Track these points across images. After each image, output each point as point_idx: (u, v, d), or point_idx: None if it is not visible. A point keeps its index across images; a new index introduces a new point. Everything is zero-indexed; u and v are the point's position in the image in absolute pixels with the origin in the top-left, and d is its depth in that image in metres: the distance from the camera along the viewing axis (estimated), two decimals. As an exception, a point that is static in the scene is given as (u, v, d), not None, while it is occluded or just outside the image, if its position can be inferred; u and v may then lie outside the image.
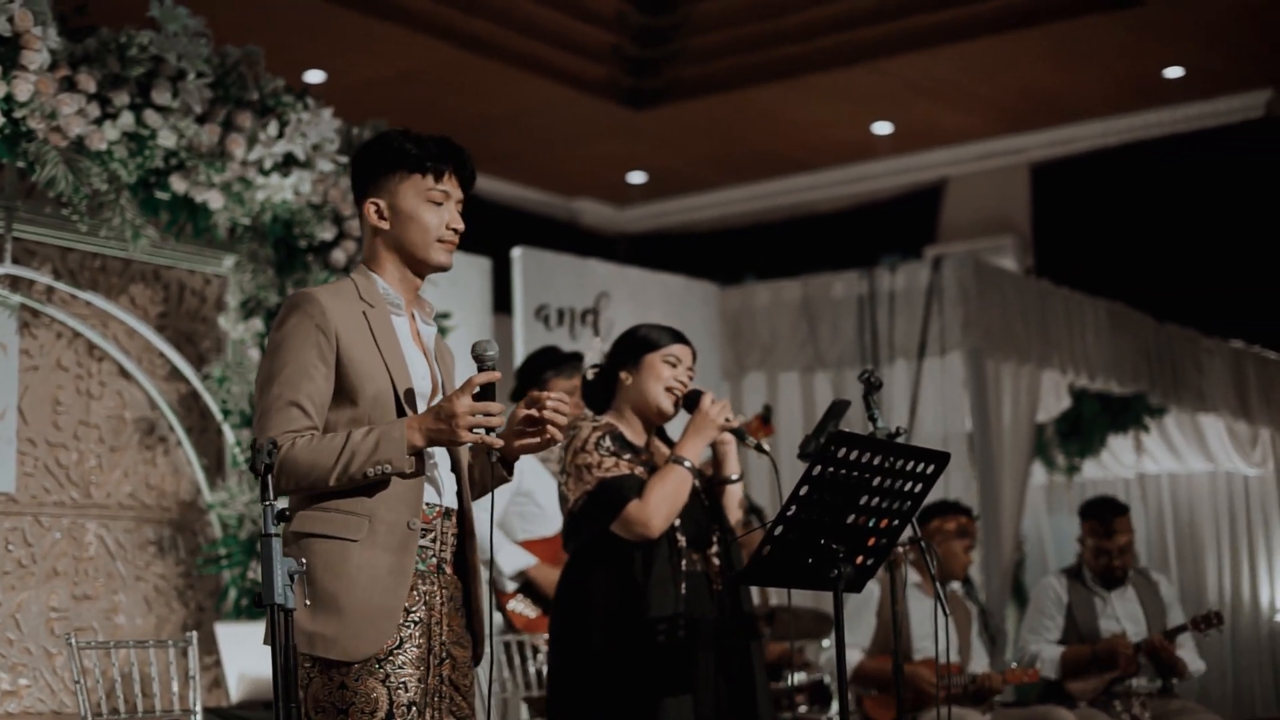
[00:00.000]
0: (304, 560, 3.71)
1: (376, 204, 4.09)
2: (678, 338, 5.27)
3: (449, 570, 4.09)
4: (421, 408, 4.02)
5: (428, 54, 11.29)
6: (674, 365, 5.21)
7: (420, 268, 4.13)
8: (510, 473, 4.18)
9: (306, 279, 7.35)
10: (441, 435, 3.88)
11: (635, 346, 5.25)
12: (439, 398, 4.11)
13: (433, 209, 4.08)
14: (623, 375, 5.25)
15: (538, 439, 4.03)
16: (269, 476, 3.62)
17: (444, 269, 4.15)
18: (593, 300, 9.54)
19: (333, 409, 3.97)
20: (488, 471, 4.17)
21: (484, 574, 4.24)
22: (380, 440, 3.85)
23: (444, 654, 4.02)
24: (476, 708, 4.16)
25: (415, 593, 3.96)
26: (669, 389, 5.20)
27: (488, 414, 3.86)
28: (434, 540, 4.03)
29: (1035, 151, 13.55)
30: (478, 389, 3.86)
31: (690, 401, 5.23)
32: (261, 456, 3.59)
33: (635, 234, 15.48)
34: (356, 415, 3.95)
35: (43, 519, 6.89)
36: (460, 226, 4.13)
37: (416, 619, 3.95)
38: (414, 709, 3.89)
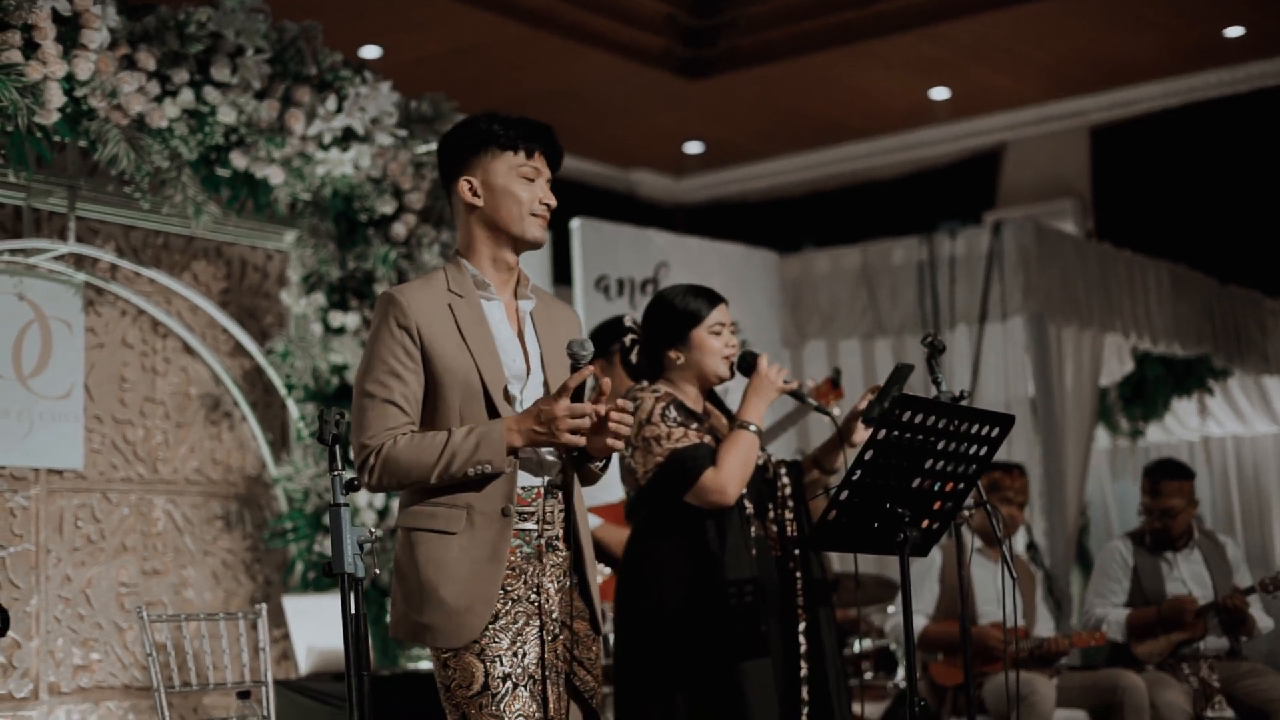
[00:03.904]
0: (374, 531, 3.75)
1: (470, 181, 4.15)
2: (713, 300, 5.22)
3: (561, 546, 4.13)
4: (515, 389, 4.09)
5: (482, 28, 11.28)
6: (719, 332, 5.19)
7: (515, 243, 4.18)
8: (604, 466, 4.22)
9: (367, 253, 7.38)
10: (541, 438, 3.97)
11: (679, 323, 5.18)
12: (534, 375, 4.16)
13: (525, 184, 4.15)
14: (672, 354, 5.20)
15: (604, 441, 4.05)
16: (337, 446, 3.66)
17: (538, 244, 4.20)
18: (652, 270, 9.52)
19: (426, 404, 4.05)
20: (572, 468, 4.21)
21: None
22: (481, 441, 3.93)
23: (558, 629, 4.06)
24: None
25: (518, 573, 4.02)
26: (725, 357, 5.19)
27: (583, 415, 3.94)
28: (538, 521, 4.08)
29: (1094, 114, 13.42)
30: (573, 390, 3.95)
31: (746, 365, 5.21)
32: (329, 426, 3.63)
33: (693, 204, 15.45)
34: (447, 408, 4.02)
35: (111, 495, 6.96)
36: (552, 202, 4.19)
37: (517, 597, 4.01)
38: (509, 680, 3.95)
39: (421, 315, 4.02)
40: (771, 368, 5.18)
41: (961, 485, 4.61)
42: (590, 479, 4.25)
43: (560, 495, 4.14)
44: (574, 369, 4.01)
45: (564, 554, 4.13)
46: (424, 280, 4.15)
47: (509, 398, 4.07)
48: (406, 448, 3.94)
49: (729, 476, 4.98)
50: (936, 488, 4.56)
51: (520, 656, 3.98)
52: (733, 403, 5.32)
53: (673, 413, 5.06)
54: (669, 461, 4.99)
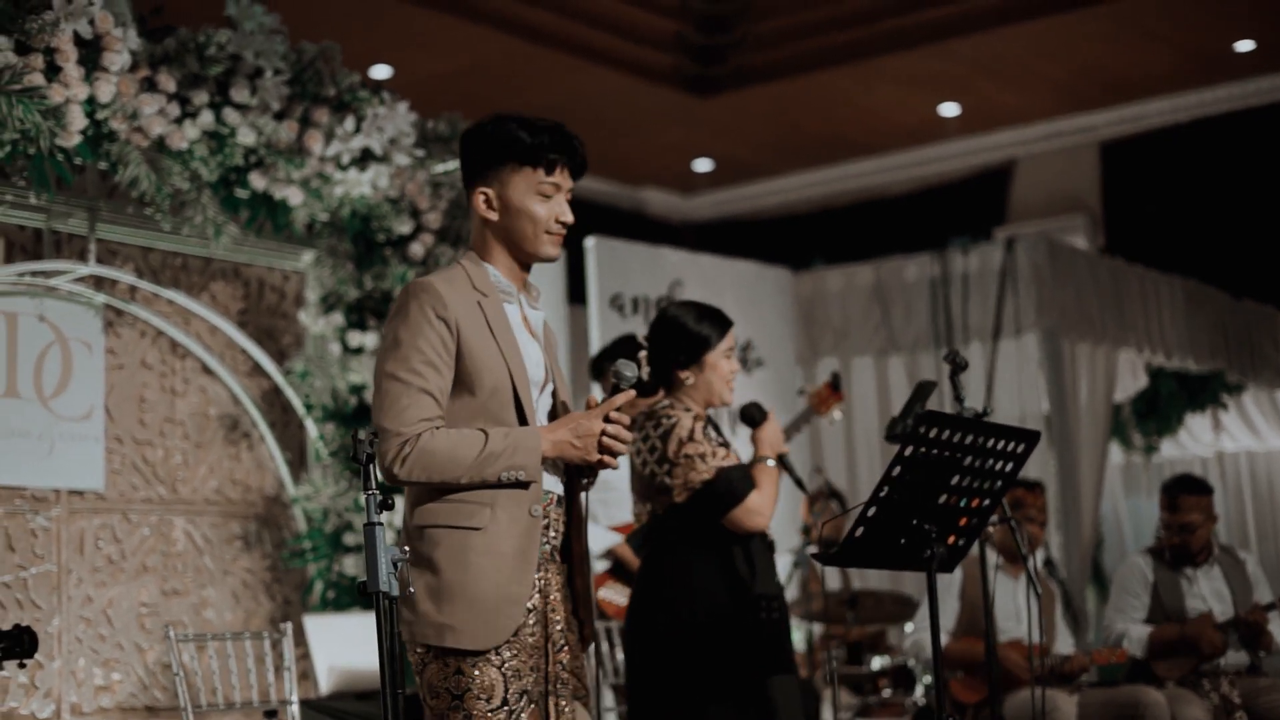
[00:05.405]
0: (407, 549, 3.75)
1: (485, 194, 4.09)
2: (724, 325, 5.25)
3: (559, 558, 4.10)
4: (535, 395, 4.04)
5: (492, 46, 11.31)
6: (730, 357, 5.23)
7: (527, 259, 4.13)
8: (588, 486, 4.20)
9: (385, 273, 7.39)
10: (574, 452, 3.97)
11: (691, 346, 5.20)
12: (550, 386, 4.14)
13: (542, 202, 4.08)
14: (683, 375, 5.21)
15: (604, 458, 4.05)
16: (370, 466, 3.65)
17: (550, 260, 4.15)
18: (666, 288, 9.54)
19: (451, 398, 3.96)
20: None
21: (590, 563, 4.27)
22: (518, 447, 3.88)
23: (561, 640, 4.03)
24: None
25: (534, 583, 3.97)
26: (729, 382, 5.24)
27: (620, 437, 3.97)
28: (548, 528, 4.04)
29: (1104, 129, 13.44)
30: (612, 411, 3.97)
31: (751, 417, 5.29)
32: (364, 446, 3.62)
33: (702, 222, 15.46)
34: (475, 406, 3.95)
35: (131, 515, 6.97)
36: (569, 219, 4.12)
37: (531, 606, 3.95)
38: (526, 696, 3.89)
39: (459, 310, 3.95)
40: (773, 425, 5.32)
41: (987, 501, 4.61)
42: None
43: (564, 507, 4.13)
44: (615, 390, 3.99)
45: (560, 564, 4.10)
46: (448, 276, 4.05)
47: (532, 401, 4.03)
48: (445, 441, 3.85)
49: (767, 503, 5.09)
50: (963, 504, 4.56)
51: (537, 670, 3.94)
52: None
53: (711, 432, 5.11)
54: (718, 479, 5.02)
